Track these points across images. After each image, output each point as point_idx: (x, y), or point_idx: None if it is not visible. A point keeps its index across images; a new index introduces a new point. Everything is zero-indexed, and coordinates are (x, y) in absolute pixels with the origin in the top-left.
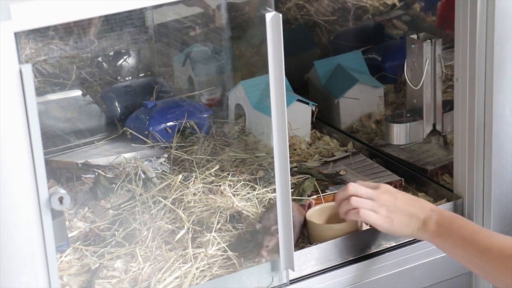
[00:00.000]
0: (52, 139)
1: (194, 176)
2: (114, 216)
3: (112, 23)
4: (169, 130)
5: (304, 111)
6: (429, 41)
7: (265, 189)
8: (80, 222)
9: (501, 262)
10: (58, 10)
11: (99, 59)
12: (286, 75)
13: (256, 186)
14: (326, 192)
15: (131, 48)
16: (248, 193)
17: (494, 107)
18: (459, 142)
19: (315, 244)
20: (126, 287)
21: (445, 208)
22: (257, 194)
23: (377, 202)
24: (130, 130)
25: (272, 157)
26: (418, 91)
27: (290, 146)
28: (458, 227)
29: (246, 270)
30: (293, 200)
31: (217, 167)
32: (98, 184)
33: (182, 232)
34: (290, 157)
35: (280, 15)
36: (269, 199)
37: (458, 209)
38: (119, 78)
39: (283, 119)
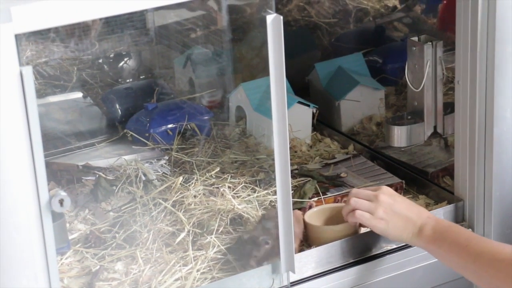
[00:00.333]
0: (52, 141)
1: (194, 178)
2: (114, 218)
3: (113, 25)
4: (170, 132)
5: (305, 113)
6: (430, 43)
7: (266, 191)
8: (80, 224)
9: (494, 267)
10: (59, 12)
11: (100, 61)
12: (287, 77)
13: (256, 188)
14: (327, 194)
15: (132, 50)
16: (249, 195)
17: (495, 109)
18: (460, 144)
19: (314, 247)
20: None
21: (446, 210)
22: (257, 196)
23: (375, 203)
24: (131, 132)
25: (273, 159)
26: (419, 93)
27: (290, 148)
28: (453, 233)
29: (246, 272)
30: (294, 209)
31: (218, 169)
32: (99, 186)
33: (182, 234)
34: (290, 159)
35: (281, 17)
36: (270, 201)
37: (459, 211)
38: (120, 80)
39: (284, 121)
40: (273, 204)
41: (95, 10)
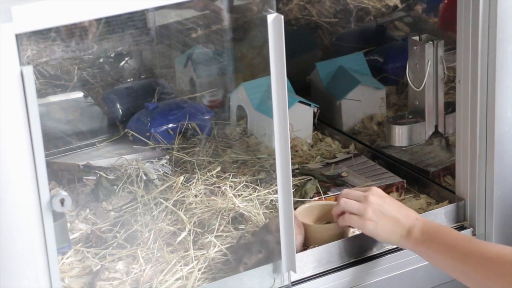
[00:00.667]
0: (53, 141)
1: (195, 178)
2: (115, 218)
3: (114, 24)
4: (171, 132)
5: (306, 113)
6: (431, 42)
7: (267, 190)
8: (81, 224)
9: (483, 266)
10: (59, 12)
11: (101, 60)
12: (288, 76)
13: (257, 187)
14: (328, 194)
15: (132, 50)
16: (250, 194)
17: (496, 108)
18: (461, 143)
19: (312, 247)
20: None
21: (447, 209)
22: (258, 195)
23: (364, 204)
24: (132, 132)
25: (274, 159)
26: (420, 92)
27: (291, 147)
28: (442, 234)
29: (247, 272)
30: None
31: (219, 168)
32: (100, 186)
33: (183, 234)
34: (291, 159)
35: (282, 16)
36: (271, 200)
37: (460, 211)
38: (120, 79)
39: (285, 120)
40: (274, 203)
41: (95, 10)
